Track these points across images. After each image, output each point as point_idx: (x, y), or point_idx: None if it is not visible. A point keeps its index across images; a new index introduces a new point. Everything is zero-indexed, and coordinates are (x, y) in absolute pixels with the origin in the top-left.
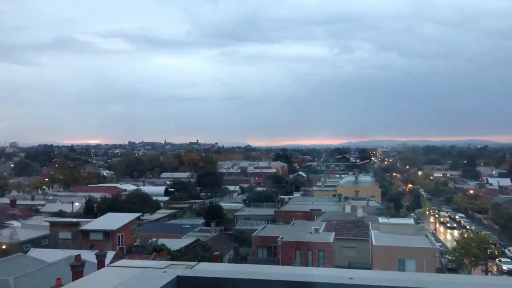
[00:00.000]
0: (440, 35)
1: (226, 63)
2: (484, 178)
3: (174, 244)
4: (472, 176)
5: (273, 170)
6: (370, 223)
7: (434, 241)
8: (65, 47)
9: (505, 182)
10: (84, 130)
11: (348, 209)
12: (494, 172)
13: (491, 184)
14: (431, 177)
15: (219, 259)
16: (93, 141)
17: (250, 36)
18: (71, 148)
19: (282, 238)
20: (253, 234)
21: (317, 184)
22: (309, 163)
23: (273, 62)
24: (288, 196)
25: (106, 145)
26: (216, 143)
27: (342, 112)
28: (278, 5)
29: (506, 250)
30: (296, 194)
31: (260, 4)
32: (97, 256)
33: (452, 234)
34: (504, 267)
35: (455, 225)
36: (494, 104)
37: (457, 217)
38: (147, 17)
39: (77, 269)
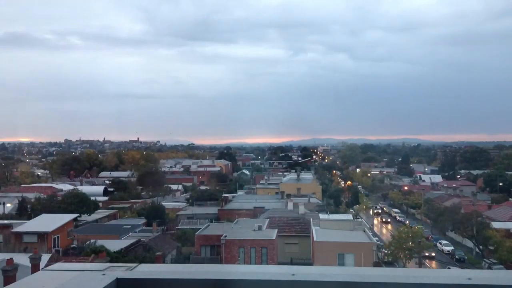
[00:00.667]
0: (385, 40)
1: (182, 62)
2: (417, 175)
3: (114, 245)
4: (406, 173)
5: (217, 169)
6: (311, 219)
7: (371, 235)
8: (18, 43)
9: (437, 178)
10: (16, 126)
11: (290, 206)
12: (426, 169)
13: (423, 181)
14: (369, 174)
15: (160, 259)
16: (25, 139)
17: (207, 37)
18: (2, 146)
19: (226, 236)
20: (196, 233)
21: (260, 182)
22: (253, 161)
23: (228, 62)
24: (232, 194)
25: (40, 143)
26: (158, 141)
27: (287, 110)
28: (234, 7)
29: (437, 243)
30: (240, 192)
31: (218, 5)
32: (31, 259)
33: (388, 229)
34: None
35: (390, 220)
36: (428, 104)
37: (392, 212)
38: (106, 16)
39: (9, 274)
